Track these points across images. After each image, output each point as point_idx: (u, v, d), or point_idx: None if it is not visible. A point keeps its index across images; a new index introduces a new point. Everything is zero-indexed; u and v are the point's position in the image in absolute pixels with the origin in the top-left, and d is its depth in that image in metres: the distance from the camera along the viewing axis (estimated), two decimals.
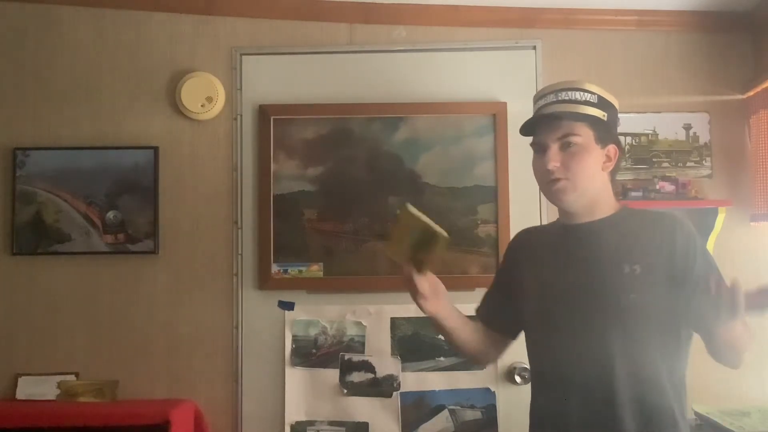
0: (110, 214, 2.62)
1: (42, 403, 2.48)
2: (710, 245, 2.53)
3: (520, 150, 2.58)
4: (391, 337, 2.56)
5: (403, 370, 2.55)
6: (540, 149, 1.67)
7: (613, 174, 1.70)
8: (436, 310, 1.69)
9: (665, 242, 1.59)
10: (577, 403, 1.59)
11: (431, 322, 1.75)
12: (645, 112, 2.66)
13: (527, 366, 2.46)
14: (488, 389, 2.53)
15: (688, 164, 2.64)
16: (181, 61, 2.67)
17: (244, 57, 2.66)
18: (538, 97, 1.72)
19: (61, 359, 2.59)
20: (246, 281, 2.61)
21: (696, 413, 2.36)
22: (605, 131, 1.65)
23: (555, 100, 1.66)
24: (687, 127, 2.65)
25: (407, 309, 2.55)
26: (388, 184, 2.61)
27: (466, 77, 2.65)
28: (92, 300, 2.62)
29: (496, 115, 2.58)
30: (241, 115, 2.65)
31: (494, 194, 2.58)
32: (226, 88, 2.65)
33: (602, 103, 1.65)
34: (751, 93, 2.60)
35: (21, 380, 2.56)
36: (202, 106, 2.61)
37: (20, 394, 2.54)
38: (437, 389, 2.54)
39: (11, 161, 2.63)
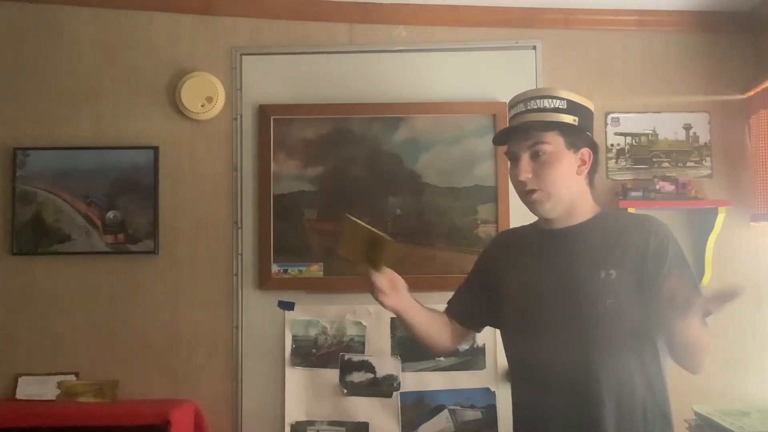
0: (110, 214, 2.62)
1: (42, 403, 2.48)
2: (710, 245, 2.53)
3: None
4: (391, 337, 2.56)
5: (403, 370, 2.54)
6: (513, 159, 1.69)
7: (591, 176, 1.71)
8: (395, 304, 1.71)
9: (639, 246, 1.60)
10: (555, 402, 1.61)
11: (397, 317, 1.77)
12: (645, 112, 2.66)
13: None
14: (488, 389, 2.53)
15: (688, 164, 2.64)
16: (181, 61, 2.67)
17: (244, 57, 2.66)
18: (510, 106, 1.74)
19: (61, 359, 2.59)
20: (246, 281, 2.61)
21: (696, 413, 2.36)
22: (576, 136, 1.66)
23: (524, 109, 1.68)
24: (687, 127, 2.65)
25: None
26: (388, 184, 2.60)
27: (466, 77, 2.65)
28: (92, 300, 2.62)
29: (496, 115, 2.58)
30: (241, 115, 2.65)
31: (494, 194, 2.58)
32: (226, 88, 2.65)
33: (572, 108, 1.66)
34: (751, 93, 2.60)
35: (21, 380, 2.56)
36: (202, 106, 2.61)
37: (20, 394, 2.54)
38: (437, 389, 2.53)
39: (11, 161, 2.63)
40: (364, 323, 2.57)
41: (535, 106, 1.66)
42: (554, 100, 1.66)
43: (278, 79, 2.65)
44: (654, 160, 2.64)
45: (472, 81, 2.64)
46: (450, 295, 2.23)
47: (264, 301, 2.59)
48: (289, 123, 2.62)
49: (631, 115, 2.65)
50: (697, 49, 2.67)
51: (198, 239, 2.63)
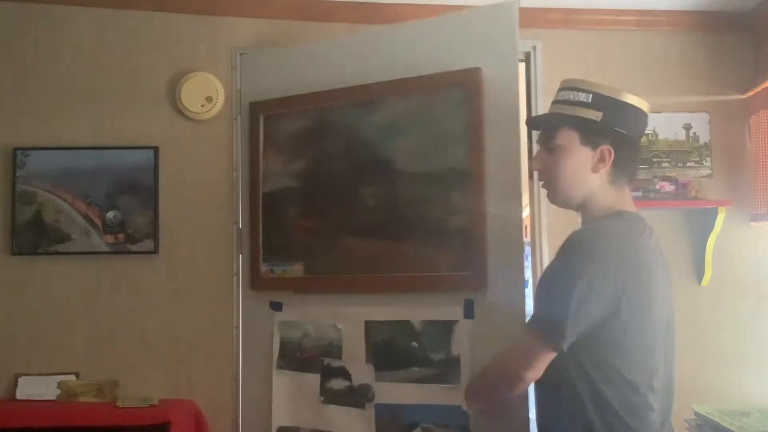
0: (110, 214, 2.62)
1: (42, 403, 2.48)
2: (710, 245, 2.53)
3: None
4: (365, 343, 2.19)
5: (378, 379, 2.15)
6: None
7: (615, 175, 1.61)
8: None
9: None
10: None
11: None
12: None
13: None
14: (460, 408, 2.01)
15: (688, 164, 2.64)
16: (181, 61, 2.67)
17: (244, 57, 2.65)
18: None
19: (61, 359, 2.59)
20: (243, 281, 2.59)
21: (696, 413, 2.36)
22: (595, 132, 1.58)
23: (554, 99, 1.65)
24: (687, 127, 2.65)
25: (380, 312, 2.20)
26: (362, 173, 2.29)
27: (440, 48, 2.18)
28: (92, 300, 2.62)
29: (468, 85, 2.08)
30: (241, 115, 2.65)
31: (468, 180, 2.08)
32: (226, 88, 2.65)
33: (598, 103, 1.57)
34: (751, 93, 2.60)
35: (21, 380, 2.56)
36: (202, 106, 2.61)
37: (20, 394, 2.54)
38: (412, 403, 2.12)
39: (11, 161, 2.63)
40: (339, 326, 2.24)
41: (561, 98, 1.62)
42: (580, 93, 1.59)
43: (278, 78, 2.62)
44: (654, 160, 2.64)
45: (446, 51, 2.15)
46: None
47: (257, 301, 2.45)
48: (275, 119, 2.46)
49: None
50: (697, 49, 2.67)
51: (198, 239, 2.63)
